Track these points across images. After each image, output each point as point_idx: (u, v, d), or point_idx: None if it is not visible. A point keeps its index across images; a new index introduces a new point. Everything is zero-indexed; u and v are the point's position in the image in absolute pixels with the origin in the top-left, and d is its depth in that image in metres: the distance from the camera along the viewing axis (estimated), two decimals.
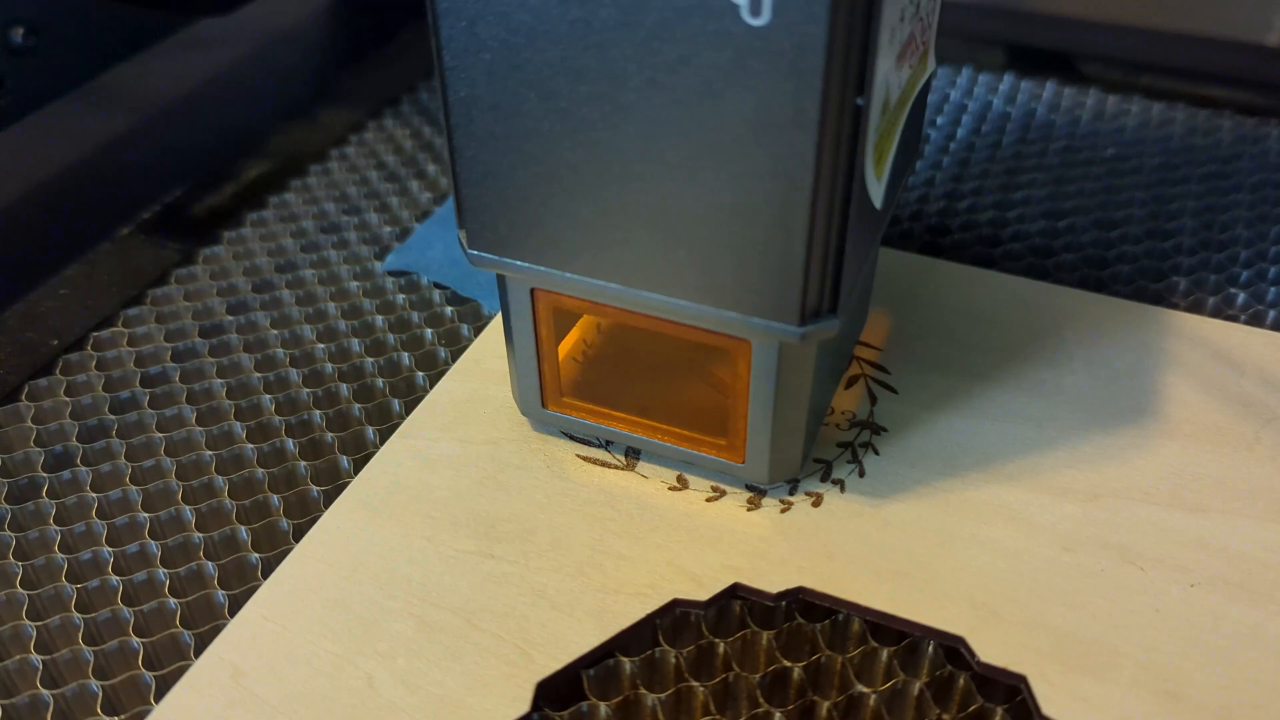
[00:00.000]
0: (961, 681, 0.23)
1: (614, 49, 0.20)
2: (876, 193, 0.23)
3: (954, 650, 0.23)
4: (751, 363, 0.24)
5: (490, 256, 0.24)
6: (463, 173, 0.23)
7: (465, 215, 0.24)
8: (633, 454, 0.28)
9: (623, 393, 0.27)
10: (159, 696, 0.23)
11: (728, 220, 0.22)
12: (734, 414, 0.25)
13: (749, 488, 0.27)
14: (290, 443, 0.29)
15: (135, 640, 0.24)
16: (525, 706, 0.22)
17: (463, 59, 0.22)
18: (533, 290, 0.25)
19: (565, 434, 0.28)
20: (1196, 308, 0.33)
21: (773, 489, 0.27)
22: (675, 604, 0.24)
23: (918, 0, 0.23)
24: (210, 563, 0.26)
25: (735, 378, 0.25)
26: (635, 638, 0.24)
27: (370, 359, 0.31)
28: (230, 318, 0.33)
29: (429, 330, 0.32)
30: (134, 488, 0.27)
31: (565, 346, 0.28)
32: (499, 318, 0.32)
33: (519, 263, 0.24)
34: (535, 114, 0.22)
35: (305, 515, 0.27)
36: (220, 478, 0.28)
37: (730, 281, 0.22)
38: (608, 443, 0.28)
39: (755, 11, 0.19)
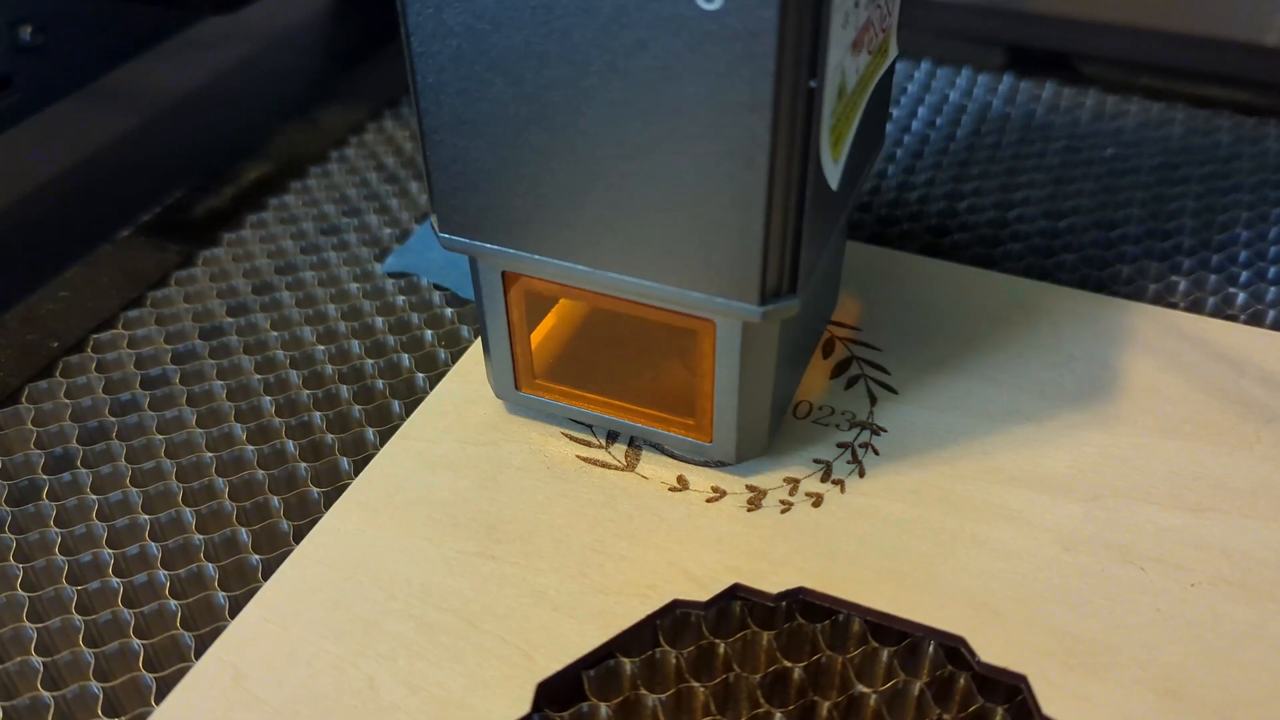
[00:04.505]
0: (962, 681, 0.23)
1: (575, 34, 0.21)
2: (833, 175, 0.23)
3: (954, 650, 0.23)
4: (716, 342, 0.24)
5: (461, 240, 0.25)
6: (433, 157, 0.24)
7: (436, 199, 0.24)
8: (633, 455, 0.28)
9: (597, 375, 0.28)
10: (160, 698, 0.23)
11: (688, 202, 0.22)
12: (700, 393, 0.26)
13: (749, 486, 0.27)
14: (290, 444, 0.29)
15: (136, 642, 0.24)
16: (526, 707, 0.22)
17: (430, 45, 0.22)
18: (504, 273, 0.25)
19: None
20: (1196, 307, 0.33)
21: (772, 488, 0.27)
22: (675, 604, 0.24)
23: None
24: (211, 564, 0.26)
25: (701, 357, 0.25)
26: (636, 638, 0.24)
27: (370, 360, 0.31)
28: (230, 319, 0.33)
29: (429, 332, 0.32)
30: (134, 490, 0.27)
31: (542, 330, 0.29)
32: None
33: (489, 245, 0.25)
34: (502, 98, 0.22)
35: (306, 517, 0.27)
36: (220, 479, 0.28)
37: (693, 262, 0.23)
38: (609, 441, 0.28)
39: None
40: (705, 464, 0.27)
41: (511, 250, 0.24)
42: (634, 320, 0.25)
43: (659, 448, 0.28)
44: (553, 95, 0.22)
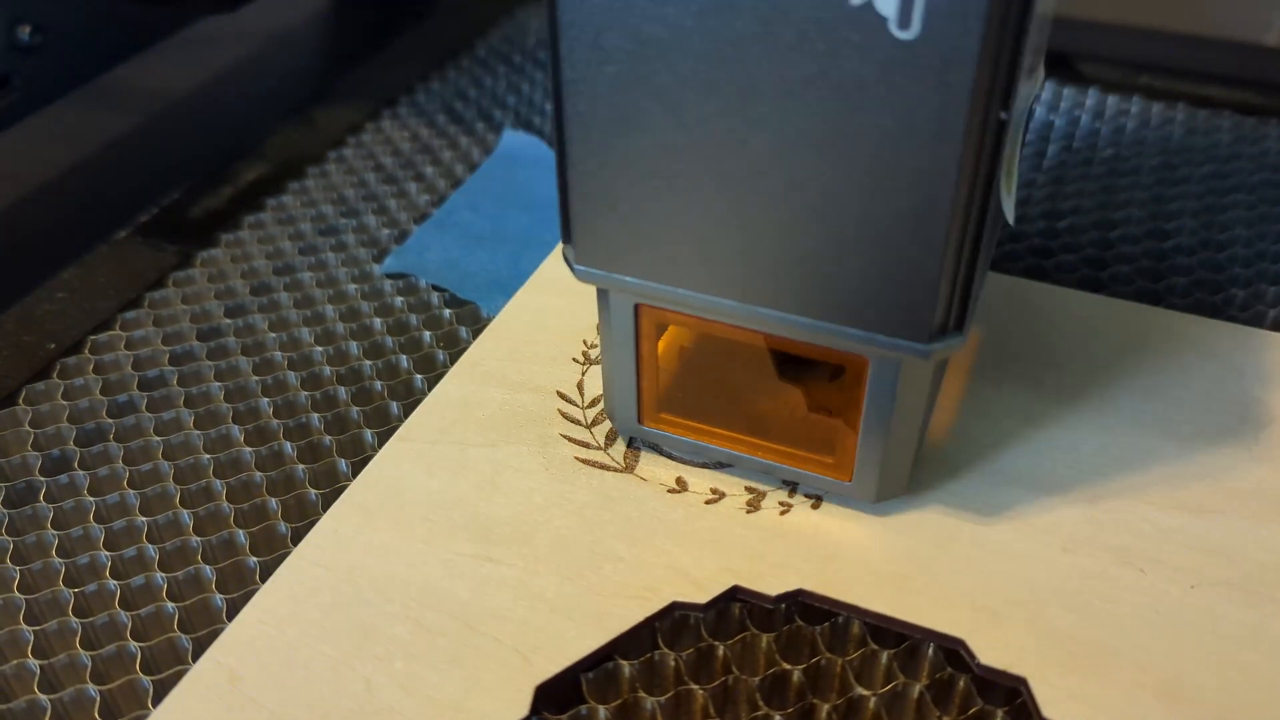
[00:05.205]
0: (961, 684, 0.23)
1: (750, 62, 0.20)
2: (1009, 207, 0.22)
3: (954, 652, 0.23)
4: (868, 380, 0.23)
5: (598, 272, 0.24)
6: (576, 188, 0.23)
7: (575, 230, 0.23)
8: (631, 456, 0.28)
9: (715, 407, 0.27)
10: (156, 701, 0.23)
11: (859, 236, 0.21)
12: (844, 431, 0.25)
13: (748, 488, 0.27)
14: (288, 446, 0.29)
15: (133, 645, 0.24)
16: (524, 710, 0.22)
17: (584, 72, 0.21)
18: (637, 305, 0.24)
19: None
20: (1196, 308, 0.33)
21: (771, 489, 0.27)
22: (674, 606, 0.24)
23: (1044, 12, 0.22)
24: (208, 567, 0.26)
25: (849, 395, 0.24)
26: (634, 641, 0.24)
27: (368, 361, 0.31)
28: (228, 321, 0.33)
29: (427, 333, 0.32)
30: (131, 491, 0.27)
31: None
32: (497, 320, 0.32)
33: (628, 278, 0.24)
34: (659, 128, 0.21)
35: (303, 519, 0.27)
36: (218, 481, 0.28)
37: (856, 298, 0.22)
38: (607, 442, 0.28)
39: (904, 24, 0.18)
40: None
41: (655, 284, 0.23)
42: (753, 351, 0.24)
43: (656, 449, 0.28)
44: (717, 125, 0.21)
